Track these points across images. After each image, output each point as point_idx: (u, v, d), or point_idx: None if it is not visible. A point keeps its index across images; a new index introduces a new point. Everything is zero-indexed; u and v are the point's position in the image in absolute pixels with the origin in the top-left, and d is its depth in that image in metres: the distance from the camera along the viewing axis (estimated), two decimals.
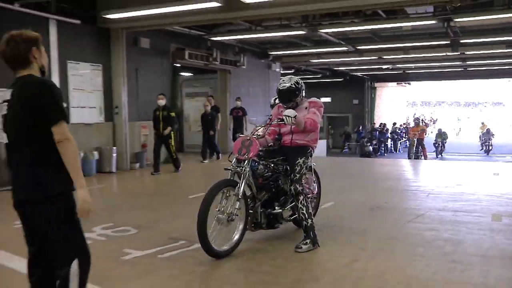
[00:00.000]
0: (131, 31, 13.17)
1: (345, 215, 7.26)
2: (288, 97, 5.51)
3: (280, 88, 5.53)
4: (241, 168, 5.10)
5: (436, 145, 27.20)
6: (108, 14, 11.79)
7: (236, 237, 5.13)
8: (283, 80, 5.60)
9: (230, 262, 4.96)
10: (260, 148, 5.42)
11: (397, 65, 25.12)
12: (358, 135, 29.82)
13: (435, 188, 9.64)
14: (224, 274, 4.72)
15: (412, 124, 22.69)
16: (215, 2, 10.23)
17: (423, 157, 19.56)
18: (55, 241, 3.01)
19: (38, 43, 3.09)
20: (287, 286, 4.36)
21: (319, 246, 5.28)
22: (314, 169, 6.15)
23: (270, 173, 5.52)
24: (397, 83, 34.92)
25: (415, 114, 43.46)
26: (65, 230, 3.03)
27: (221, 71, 17.78)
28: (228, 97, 17.78)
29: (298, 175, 5.43)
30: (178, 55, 15.01)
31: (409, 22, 13.95)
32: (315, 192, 6.27)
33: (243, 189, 5.03)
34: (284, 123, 5.30)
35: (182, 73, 17.28)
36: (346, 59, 21.48)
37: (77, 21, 11.60)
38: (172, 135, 12.11)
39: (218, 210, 4.93)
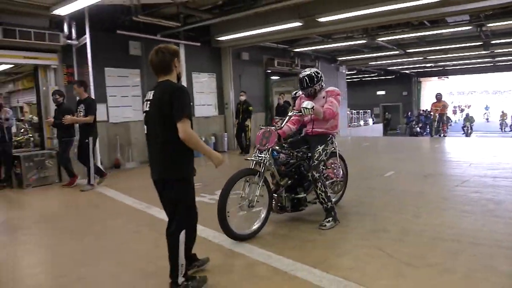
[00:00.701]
0: (235, 48, 13.32)
1: (403, 181, 6.95)
2: (307, 83, 4.70)
3: (301, 76, 4.75)
4: (261, 157, 4.30)
5: (465, 128, 25.38)
6: (219, 37, 12.01)
7: (258, 224, 4.34)
8: (305, 70, 4.83)
9: (315, 223, 4.76)
10: (283, 136, 4.72)
11: (438, 63, 23.60)
12: (407, 119, 28.53)
13: (475, 159, 8.99)
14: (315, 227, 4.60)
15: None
16: (297, 23, 10.12)
17: (442, 133, 15.38)
18: (175, 212, 3.04)
19: (178, 55, 3.09)
20: (365, 234, 4.29)
21: (339, 222, 4.58)
22: (339, 154, 5.25)
23: (294, 161, 4.70)
24: (438, 77, 33.02)
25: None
26: (183, 206, 3.06)
27: None
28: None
29: (316, 162, 4.56)
30: (269, 64, 15.00)
31: (449, 29, 13.03)
32: (340, 176, 5.21)
33: (264, 176, 4.26)
34: (302, 114, 4.48)
35: (272, 77, 17.23)
36: (397, 60, 20.48)
37: (198, 44, 11.90)
38: (249, 124, 11.76)
39: (241, 197, 4.17)
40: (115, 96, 10.02)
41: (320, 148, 4.65)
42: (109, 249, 4.28)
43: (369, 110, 28.56)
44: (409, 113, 28.81)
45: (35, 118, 9.04)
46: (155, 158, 3.05)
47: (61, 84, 9.01)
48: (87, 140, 7.33)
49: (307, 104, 4.36)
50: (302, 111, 4.39)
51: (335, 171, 5.11)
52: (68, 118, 7.28)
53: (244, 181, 4.20)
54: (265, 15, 10.55)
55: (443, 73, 29.84)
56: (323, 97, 4.77)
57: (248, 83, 14.06)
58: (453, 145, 12.81)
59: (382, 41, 14.78)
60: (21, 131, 10.37)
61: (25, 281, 3.66)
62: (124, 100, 10.22)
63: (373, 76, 28.91)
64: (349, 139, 16.70)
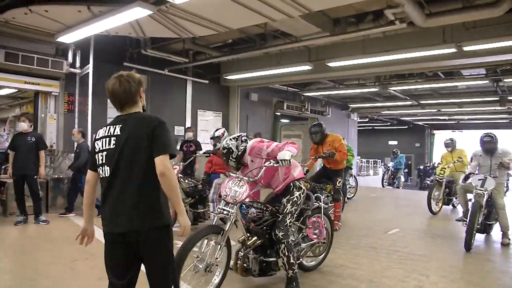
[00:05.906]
0: (244, 88, 13.15)
1: (409, 241, 6.20)
2: (231, 158, 3.82)
3: (223, 151, 3.85)
4: (228, 212, 3.44)
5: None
6: (228, 76, 11.84)
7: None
8: (222, 142, 3.95)
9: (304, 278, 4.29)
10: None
11: (453, 116, 23.12)
12: (418, 172, 27.79)
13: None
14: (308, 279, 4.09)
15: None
16: (307, 66, 9.87)
17: None
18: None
19: (143, 84, 2.50)
20: None
21: None
22: (325, 211, 4.35)
23: (268, 217, 3.80)
24: (451, 131, 32.46)
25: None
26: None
27: (310, 119, 17.23)
28: None
29: (281, 217, 3.74)
30: (279, 106, 14.74)
31: (464, 82, 12.73)
32: (322, 237, 4.21)
33: (228, 236, 3.45)
34: (281, 165, 3.59)
35: (281, 120, 16.98)
36: (410, 111, 20.11)
37: (206, 81, 11.77)
38: None
39: (197, 257, 3.35)
40: None
41: (284, 199, 3.81)
42: None
43: (379, 160, 27.95)
44: (421, 166, 28.11)
45: None
46: (127, 204, 2.34)
47: (60, 112, 8.80)
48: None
49: (284, 154, 3.55)
50: (281, 164, 3.56)
51: (316, 231, 4.14)
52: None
53: (206, 239, 3.42)
54: (275, 56, 10.41)
55: (457, 126, 29.30)
56: (251, 161, 3.86)
57: (255, 124, 13.76)
58: None
59: (395, 90, 14.47)
60: None
61: None
62: None
63: (385, 125, 28.50)
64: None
